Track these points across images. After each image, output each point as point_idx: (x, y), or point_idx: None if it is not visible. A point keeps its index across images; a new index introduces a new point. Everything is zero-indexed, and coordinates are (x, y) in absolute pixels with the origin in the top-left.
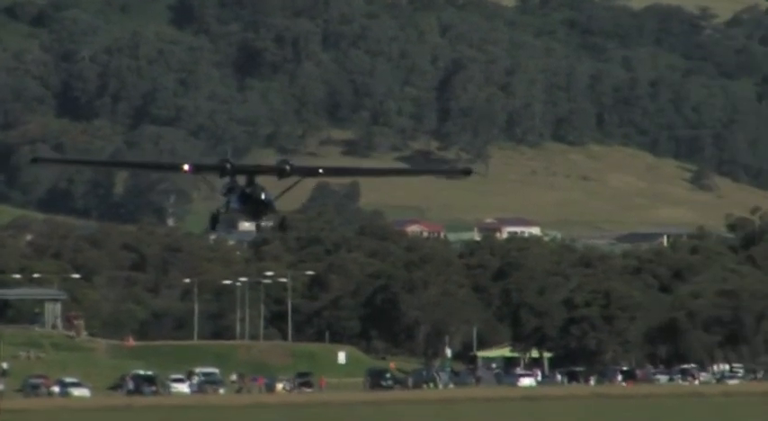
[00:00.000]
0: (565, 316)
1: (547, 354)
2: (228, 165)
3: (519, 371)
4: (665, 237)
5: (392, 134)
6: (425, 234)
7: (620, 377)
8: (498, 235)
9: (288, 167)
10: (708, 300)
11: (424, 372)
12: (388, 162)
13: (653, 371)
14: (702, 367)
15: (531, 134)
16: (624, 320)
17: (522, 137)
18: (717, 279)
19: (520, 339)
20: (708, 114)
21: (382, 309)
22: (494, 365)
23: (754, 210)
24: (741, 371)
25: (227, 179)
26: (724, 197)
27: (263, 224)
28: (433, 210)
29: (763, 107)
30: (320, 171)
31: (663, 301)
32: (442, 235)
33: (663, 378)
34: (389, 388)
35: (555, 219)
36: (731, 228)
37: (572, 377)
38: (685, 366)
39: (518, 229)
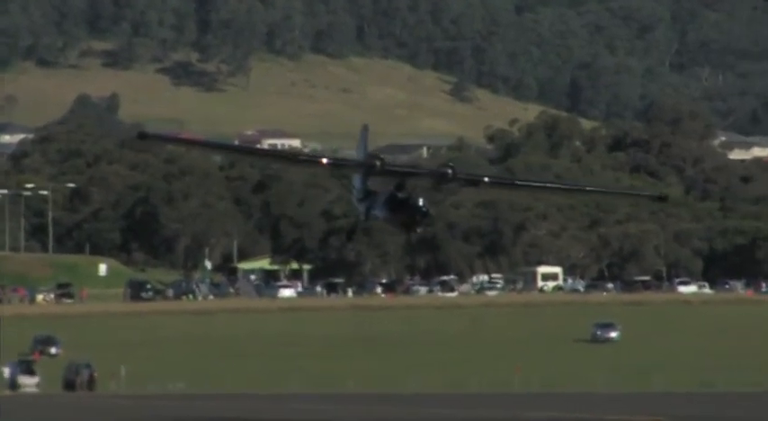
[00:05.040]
0: (324, 227)
1: (306, 266)
2: (378, 163)
3: (279, 282)
4: (425, 149)
5: (153, 45)
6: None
7: (379, 288)
8: (259, 147)
9: (450, 172)
10: (467, 211)
11: (184, 284)
12: (149, 73)
13: (411, 281)
14: (462, 278)
15: (290, 46)
16: (383, 232)
17: (282, 49)
18: (470, 191)
19: (280, 251)
20: (467, 26)
21: (142, 221)
22: (253, 277)
23: (513, 122)
24: (500, 281)
25: (359, 181)
26: (483, 109)
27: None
28: (193, 122)
29: (522, 19)
30: (486, 180)
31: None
32: None
33: (422, 289)
34: (150, 299)
35: (315, 131)
36: (490, 139)
37: (331, 288)
38: (445, 277)
39: (278, 142)
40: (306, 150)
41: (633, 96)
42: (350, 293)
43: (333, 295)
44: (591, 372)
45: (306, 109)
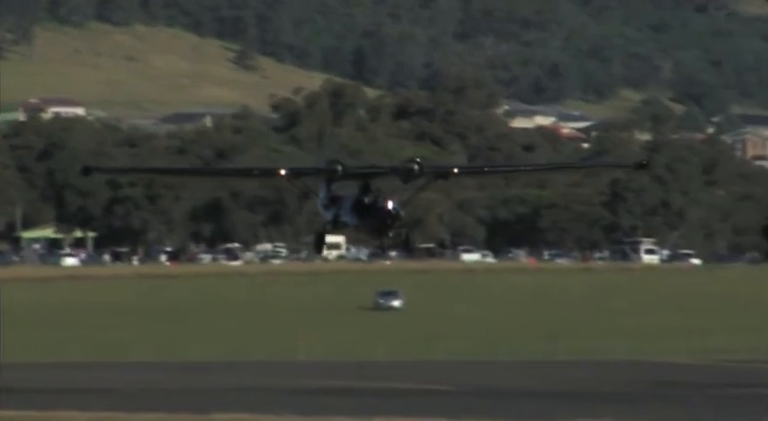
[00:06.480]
0: (109, 196)
1: (91, 234)
2: (339, 168)
3: (63, 251)
4: (209, 117)
5: None
6: None
7: (164, 257)
8: (43, 115)
9: (416, 167)
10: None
11: None
12: None
13: (196, 249)
14: (246, 247)
15: (75, 14)
16: (168, 200)
17: (66, 17)
18: (260, 158)
19: (64, 219)
20: None
21: None
22: (37, 245)
23: (298, 91)
24: (284, 250)
25: (323, 188)
26: (268, 77)
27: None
28: None
29: None
30: (455, 171)
31: (206, 181)
32: None
33: (207, 257)
34: None
35: (100, 100)
36: (275, 108)
37: (116, 256)
38: (229, 246)
39: (62, 110)
40: (90, 118)
41: (417, 65)
42: (135, 261)
43: (118, 263)
44: (374, 341)
45: (90, 77)
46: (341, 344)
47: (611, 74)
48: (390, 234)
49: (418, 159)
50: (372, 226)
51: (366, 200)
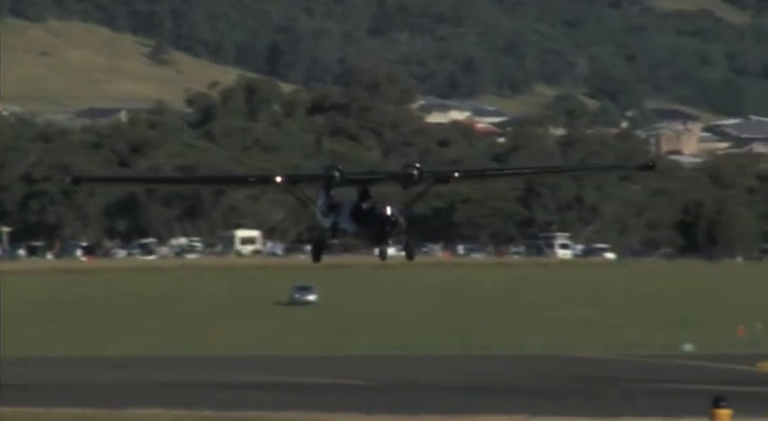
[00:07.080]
0: (24, 190)
1: (6, 229)
2: (337, 174)
3: None
4: (124, 113)
5: None
6: None
7: (79, 251)
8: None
9: (416, 172)
10: (167, 175)
11: None
12: None
13: (112, 244)
14: (161, 241)
15: None
16: (83, 195)
17: None
18: (175, 153)
19: None
20: None
21: None
22: None
23: (213, 85)
24: (199, 245)
25: (321, 195)
26: (183, 72)
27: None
28: None
29: None
30: (456, 175)
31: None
32: None
33: (122, 252)
34: None
35: (16, 95)
36: (190, 103)
37: (32, 251)
38: (144, 241)
39: None
40: (5, 113)
41: (332, 60)
42: (50, 256)
43: (33, 258)
44: (290, 335)
45: (6, 72)
46: (256, 339)
47: (526, 69)
48: (390, 241)
49: (418, 164)
50: (371, 233)
51: (365, 206)
